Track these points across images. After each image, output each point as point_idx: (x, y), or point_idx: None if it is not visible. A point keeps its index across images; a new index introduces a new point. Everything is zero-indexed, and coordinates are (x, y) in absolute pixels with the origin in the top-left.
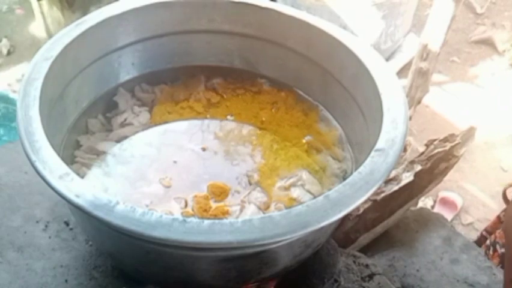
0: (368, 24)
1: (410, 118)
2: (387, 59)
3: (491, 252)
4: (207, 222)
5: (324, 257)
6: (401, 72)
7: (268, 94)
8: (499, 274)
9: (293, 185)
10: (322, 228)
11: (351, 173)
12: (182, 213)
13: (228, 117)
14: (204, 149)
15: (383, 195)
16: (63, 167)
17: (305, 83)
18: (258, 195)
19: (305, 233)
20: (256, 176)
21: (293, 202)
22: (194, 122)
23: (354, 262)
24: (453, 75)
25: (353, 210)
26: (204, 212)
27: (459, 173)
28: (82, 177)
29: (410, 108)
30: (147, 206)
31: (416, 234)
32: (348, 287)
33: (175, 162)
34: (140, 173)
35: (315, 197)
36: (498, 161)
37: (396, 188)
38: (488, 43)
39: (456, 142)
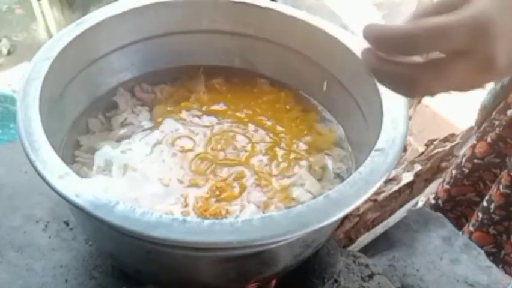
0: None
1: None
2: None
3: None
4: (207, 222)
5: (324, 257)
6: None
7: (268, 94)
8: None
9: (293, 185)
10: (322, 228)
11: (351, 173)
12: (182, 213)
13: (228, 116)
14: (204, 149)
15: (383, 195)
16: (63, 167)
17: (305, 83)
18: (258, 195)
19: (305, 233)
20: (256, 176)
21: (293, 202)
22: (194, 121)
23: (354, 262)
24: None
25: (353, 210)
26: (204, 212)
27: None
28: (82, 177)
29: (410, 108)
30: (147, 206)
31: (416, 234)
32: (348, 287)
33: (175, 162)
34: (140, 173)
35: (315, 197)
36: None
37: (396, 188)
38: None
39: (456, 142)
